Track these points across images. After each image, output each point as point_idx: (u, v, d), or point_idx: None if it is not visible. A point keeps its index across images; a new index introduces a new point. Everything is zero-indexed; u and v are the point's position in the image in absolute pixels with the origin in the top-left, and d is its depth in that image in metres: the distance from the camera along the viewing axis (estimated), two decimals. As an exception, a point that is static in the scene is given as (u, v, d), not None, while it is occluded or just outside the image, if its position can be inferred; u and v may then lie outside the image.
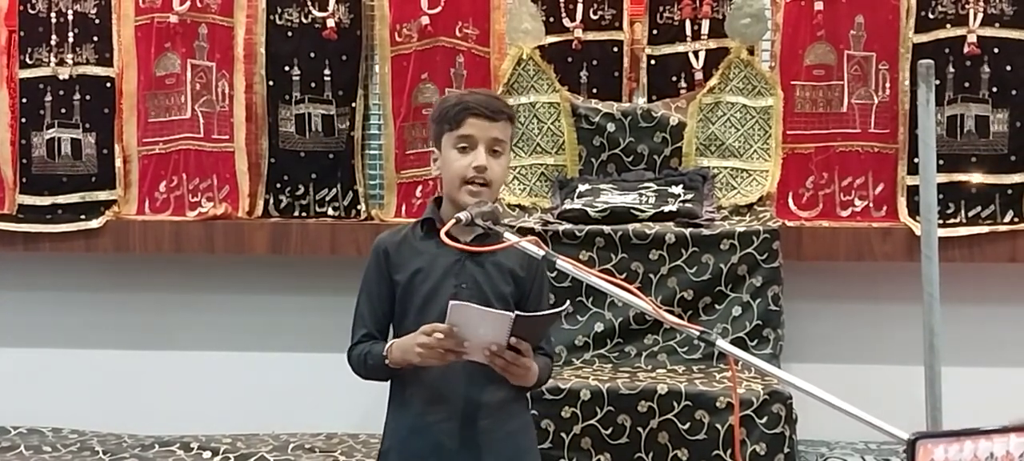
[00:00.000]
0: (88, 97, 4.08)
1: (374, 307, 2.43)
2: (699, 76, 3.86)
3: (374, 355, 2.38)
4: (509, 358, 2.21)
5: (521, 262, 2.36)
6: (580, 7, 3.91)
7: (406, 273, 2.39)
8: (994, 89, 3.72)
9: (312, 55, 3.98)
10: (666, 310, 2.79)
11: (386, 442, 2.47)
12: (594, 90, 3.91)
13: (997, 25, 3.72)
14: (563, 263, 2.16)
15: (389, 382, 2.45)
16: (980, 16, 3.72)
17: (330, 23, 3.95)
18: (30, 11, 4.09)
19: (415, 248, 2.38)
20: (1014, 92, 3.72)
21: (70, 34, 4.07)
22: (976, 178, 3.75)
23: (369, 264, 2.46)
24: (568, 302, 2.25)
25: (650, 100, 3.90)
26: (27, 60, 4.10)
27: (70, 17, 4.07)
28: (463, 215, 2.23)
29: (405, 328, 2.37)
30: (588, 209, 3.58)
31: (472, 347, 2.21)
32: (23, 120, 4.11)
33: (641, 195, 3.67)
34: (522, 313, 2.20)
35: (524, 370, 2.26)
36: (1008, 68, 3.72)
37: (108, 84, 4.07)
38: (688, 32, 3.88)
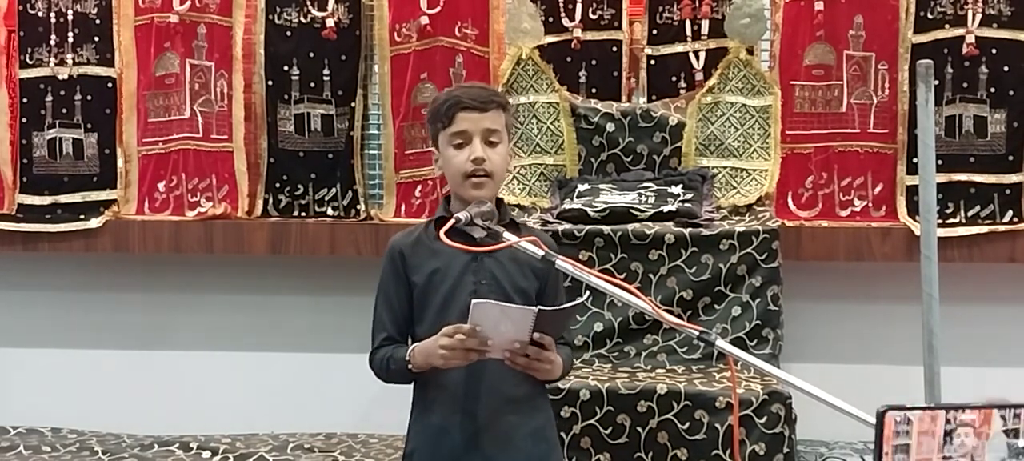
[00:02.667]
0: (89, 97, 4.08)
1: (393, 310, 2.41)
2: (699, 76, 3.86)
3: (396, 360, 2.36)
4: (532, 353, 2.20)
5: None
6: (579, 7, 3.91)
7: (423, 274, 2.38)
8: (992, 89, 3.72)
9: (311, 55, 3.98)
10: (665, 310, 2.79)
11: (410, 444, 2.45)
12: (593, 90, 3.91)
13: (995, 26, 3.72)
14: (563, 263, 2.16)
15: (412, 385, 2.43)
16: (978, 17, 3.72)
17: (329, 23, 3.95)
18: (30, 11, 4.09)
19: (430, 248, 2.36)
20: (1012, 92, 3.72)
21: (70, 34, 4.07)
22: (975, 178, 3.75)
23: (384, 267, 2.44)
24: (588, 293, 2.23)
25: (650, 100, 3.90)
26: (27, 60, 4.10)
27: (70, 17, 4.07)
28: (463, 215, 2.23)
29: (424, 329, 2.35)
30: (587, 209, 3.58)
31: (495, 345, 2.19)
32: (23, 120, 4.11)
33: (640, 195, 3.67)
34: (545, 307, 2.18)
35: (549, 364, 2.25)
36: (1006, 69, 3.72)
37: (109, 84, 4.07)
38: (688, 32, 3.88)
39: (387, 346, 2.40)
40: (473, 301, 2.18)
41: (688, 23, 3.88)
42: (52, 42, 4.08)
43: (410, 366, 2.33)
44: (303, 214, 4.01)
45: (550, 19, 3.91)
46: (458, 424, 2.35)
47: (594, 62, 3.92)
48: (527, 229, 2.47)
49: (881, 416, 1.54)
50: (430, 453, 2.39)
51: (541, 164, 3.86)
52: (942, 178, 3.49)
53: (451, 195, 2.43)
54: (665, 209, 3.57)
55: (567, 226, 3.51)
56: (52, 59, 4.09)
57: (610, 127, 3.81)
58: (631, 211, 3.57)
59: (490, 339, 2.18)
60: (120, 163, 4.08)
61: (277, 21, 3.99)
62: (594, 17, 3.91)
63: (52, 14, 4.08)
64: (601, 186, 3.74)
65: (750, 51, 3.81)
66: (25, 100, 4.10)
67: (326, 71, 3.98)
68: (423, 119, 3.92)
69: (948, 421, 1.59)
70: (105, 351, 4.18)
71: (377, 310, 2.43)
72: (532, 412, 2.39)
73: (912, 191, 3.67)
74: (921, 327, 2.75)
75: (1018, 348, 3.77)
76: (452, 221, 2.21)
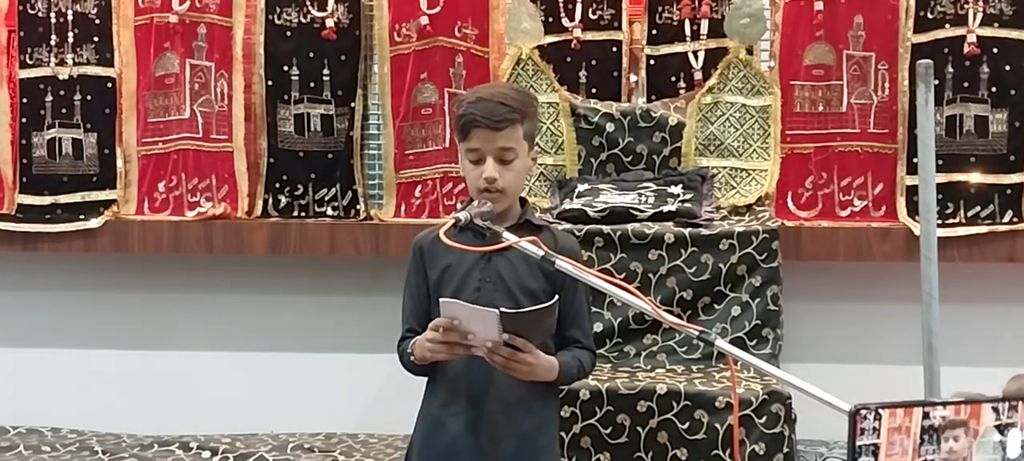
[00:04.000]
0: (89, 97, 4.08)
1: (415, 304, 2.49)
2: (698, 76, 3.86)
3: (406, 352, 2.44)
4: (506, 354, 2.23)
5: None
6: (579, 7, 3.91)
7: (437, 270, 2.45)
8: (993, 89, 3.72)
9: (311, 55, 3.98)
10: (665, 310, 2.79)
11: (413, 436, 2.51)
12: (593, 90, 3.91)
13: (996, 25, 3.72)
14: (562, 263, 2.17)
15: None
16: (979, 16, 3.72)
17: (329, 23, 3.95)
18: (30, 11, 4.09)
19: (445, 246, 2.38)
20: (1013, 92, 3.72)
21: (70, 34, 4.07)
22: (975, 178, 3.75)
23: (409, 263, 2.52)
24: (557, 296, 2.26)
25: (649, 100, 3.90)
26: (27, 60, 4.10)
27: (70, 17, 4.07)
28: (462, 215, 2.25)
29: None
30: (587, 209, 3.58)
31: (476, 340, 2.22)
32: (23, 120, 4.11)
33: (640, 195, 3.67)
34: (507, 310, 2.20)
35: (526, 367, 2.27)
36: (1007, 68, 3.72)
37: (109, 84, 4.07)
38: (687, 32, 3.88)
39: (409, 338, 2.47)
40: (442, 300, 2.25)
41: (687, 23, 3.88)
42: (52, 42, 4.08)
43: (412, 357, 2.40)
44: (303, 214, 4.01)
45: (550, 19, 3.90)
46: (450, 419, 2.39)
47: (594, 62, 3.92)
48: (548, 230, 2.48)
49: (853, 416, 1.54)
50: (426, 443, 2.44)
51: (541, 164, 3.85)
52: (942, 178, 3.49)
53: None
54: (665, 209, 3.57)
55: (567, 226, 3.50)
56: (52, 59, 4.08)
57: (610, 127, 3.81)
58: (631, 211, 3.57)
59: (470, 334, 2.21)
60: (120, 163, 4.08)
61: (277, 21, 3.99)
62: (594, 17, 3.91)
63: (52, 14, 4.08)
64: (601, 186, 3.74)
65: (750, 51, 3.81)
66: (25, 100, 4.10)
67: (326, 71, 3.98)
68: (423, 119, 3.95)
69: (926, 417, 1.58)
70: (105, 351, 4.17)
71: (403, 304, 2.53)
72: (528, 416, 2.41)
73: (912, 191, 3.67)
74: (921, 327, 2.75)
75: (1018, 348, 3.77)
76: (450, 221, 2.24)
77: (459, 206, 2.47)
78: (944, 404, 1.60)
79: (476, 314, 2.21)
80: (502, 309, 2.18)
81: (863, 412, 1.52)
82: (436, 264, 2.45)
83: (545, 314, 2.24)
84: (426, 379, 2.49)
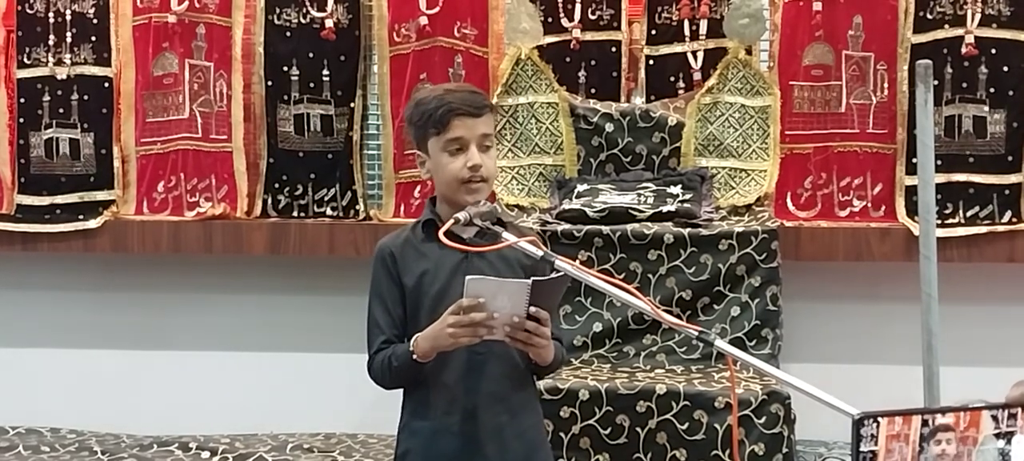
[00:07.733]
0: (86, 97, 4.08)
1: (389, 313, 2.37)
2: (697, 76, 3.86)
3: (399, 355, 2.31)
4: (531, 328, 2.19)
5: (526, 255, 2.30)
6: (578, 7, 3.91)
7: (413, 275, 2.36)
8: (991, 90, 3.73)
9: (310, 55, 3.98)
10: (665, 310, 2.79)
11: (402, 446, 2.41)
12: (592, 90, 3.91)
13: (995, 26, 3.72)
14: (562, 263, 2.16)
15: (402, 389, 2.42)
16: (978, 17, 3.72)
17: (328, 23, 3.95)
18: (28, 11, 4.08)
19: (418, 250, 2.36)
20: (1011, 93, 3.72)
21: (68, 34, 4.07)
22: (974, 178, 3.75)
23: (376, 271, 2.40)
24: (567, 268, 2.24)
25: (648, 100, 3.90)
26: (25, 60, 4.10)
27: (68, 17, 4.07)
28: (462, 215, 2.22)
29: (417, 330, 2.31)
30: (586, 209, 3.58)
31: (497, 321, 2.18)
32: (21, 120, 4.11)
33: (639, 195, 3.67)
34: (538, 278, 2.17)
35: (546, 341, 2.24)
36: (1005, 69, 3.72)
37: (107, 84, 4.07)
38: (686, 32, 3.88)
39: (386, 348, 2.36)
40: (468, 277, 2.16)
41: (687, 23, 3.88)
42: (50, 42, 4.08)
43: (415, 355, 2.28)
44: (302, 214, 4.01)
45: (549, 19, 3.91)
46: (454, 425, 2.34)
47: (593, 62, 3.92)
48: (515, 227, 2.46)
49: (857, 424, 1.53)
50: (426, 453, 2.37)
51: (540, 164, 3.86)
52: (941, 178, 3.50)
53: (438, 198, 2.42)
54: (664, 209, 3.57)
55: (566, 226, 3.51)
56: (50, 59, 4.08)
57: (609, 127, 3.81)
58: (630, 211, 3.57)
59: (494, 313, 2.16)
60: (116, 163, 4.07)
61: (276, 21, 3.99)
62: (593, 17, 3.91)
63: (50, 14, 4.07)
64: (600, 186, 3.74)
65: (749, 51, 3.81)
66: (22, 100, 4.10)
67: (325, 71, 3.98)
68: (423, 119, 3.92)
69: (925, 425, 1.57)
70: (105, 351, 4.17)
71: (372, 315, 2.39)
72: (523, 413, 2.39)
73: (911, 191, 3.67)
74: (920, 327, 2.75)
75: (1017, 348, 3.77)
76: (451, 222, 2.20)
77: (426, 209, 2.42)
78: (943, 411, 1.59)
79: (505, 287, 2.16)
80: (534, 278, 2.15)
81: (865, 421, 1.51)
82: (410, 269, 2.36)
83: (564, 283, 2.22)
84: (404, 392, 2.40)
